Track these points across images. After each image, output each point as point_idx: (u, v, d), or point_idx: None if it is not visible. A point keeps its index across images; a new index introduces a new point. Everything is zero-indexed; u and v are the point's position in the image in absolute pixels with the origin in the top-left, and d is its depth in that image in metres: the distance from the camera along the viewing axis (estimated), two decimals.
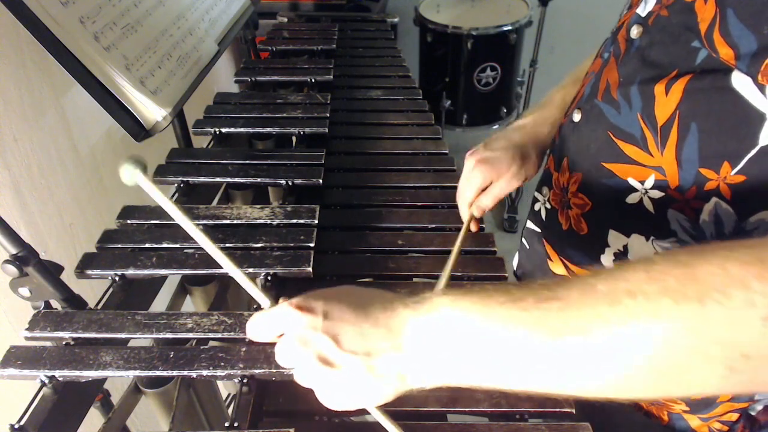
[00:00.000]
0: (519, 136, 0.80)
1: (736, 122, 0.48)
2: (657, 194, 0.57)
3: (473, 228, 0.82)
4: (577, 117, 0.66)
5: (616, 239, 0.63)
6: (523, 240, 0.83)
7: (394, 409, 0.62)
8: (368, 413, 0.64)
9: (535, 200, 0.78)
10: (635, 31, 0.57)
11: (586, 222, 0.66)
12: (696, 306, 0.35)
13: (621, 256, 0.63)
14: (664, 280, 0.36)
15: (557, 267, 0.74)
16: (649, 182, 0.57)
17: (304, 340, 0.44)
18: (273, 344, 0.61)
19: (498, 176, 0.78)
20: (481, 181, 0.78)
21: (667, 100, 0.52)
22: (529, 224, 0.80)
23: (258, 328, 0.48)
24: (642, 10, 0.57)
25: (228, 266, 0.48)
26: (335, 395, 0.46)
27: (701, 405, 0.65)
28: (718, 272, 0.35)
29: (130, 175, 0.43)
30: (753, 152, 0.49)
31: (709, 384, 0.37)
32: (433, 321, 0.43)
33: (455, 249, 0.76)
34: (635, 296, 0.36)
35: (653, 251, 0.60)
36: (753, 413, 0.65)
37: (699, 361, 0.36)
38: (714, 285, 0.34)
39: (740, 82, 0.47)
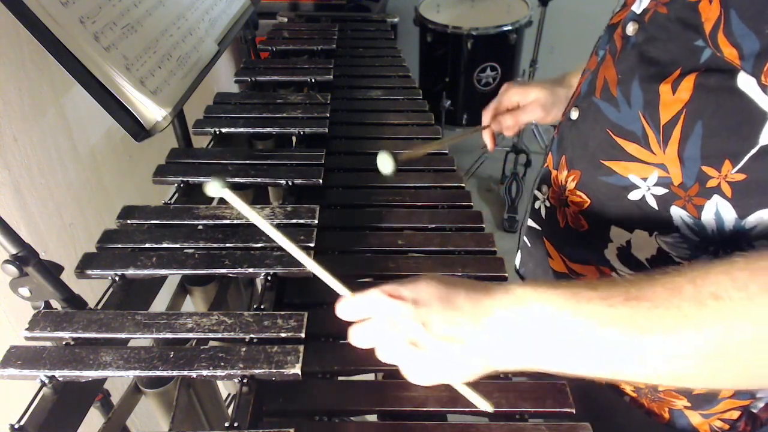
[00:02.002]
0: (552, 82, 0.87)
1: (740, 121, 0.49)
2: (660, 191, 0.57)
3: (489, 146, 0.92)
4: (574, 115, 0.67)
5: (618, 235, 0.63)
6: (524, 238, 0.84)
7: (394, 409, 0.62)
8: (372, 414, 0.64)
9: (535, 198, 0.78)
10: (631, 28, 0.57)
11: (586, 219, 0.66)
12: None
13: (624, 251, 0.63)
14: (748, 287, 0.39)
15: (557, 265, 0.74)
16: (652, 179, 0.57)
17: (395, 325, 0.48)
18: (272, 345, 0.61)
19: (525, 99, 0.86)
20: (508, 99, 0.87)
21: (674, 99, 0.52)
22: (530, 222, 0.81)
23: (349, 309, 0.51)
24: (637, 7, 0.57)
25: (310, 263, 0.55)
26: (420, 373, 0.49)
27: (702, 401, 0.65)
28: None
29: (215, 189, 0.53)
30: (753, 151, 0.49)
31: None
32: (522, 313, 0.45)
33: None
34: (720, 300, 0.39)
35: (657, 246, 0.60)
36: (755, 411, 0.65)
37: None
38: None
39: (745, 82, 0.47)
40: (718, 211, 0.54)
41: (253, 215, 0.54)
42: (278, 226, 0.80)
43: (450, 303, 0.47)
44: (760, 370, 0.40)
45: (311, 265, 0.54)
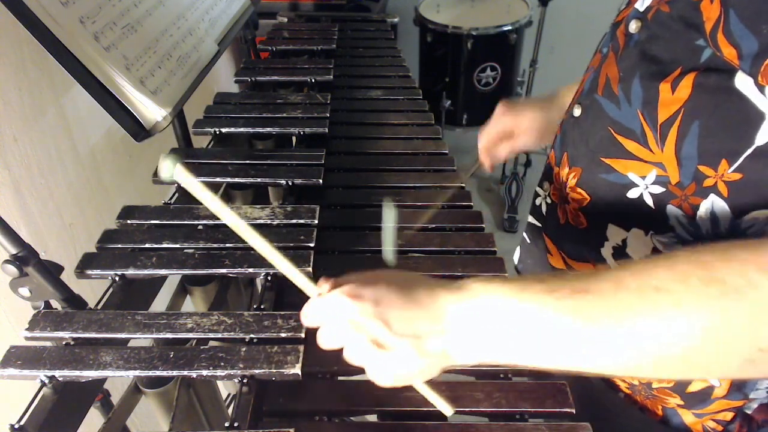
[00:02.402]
0: (546, 103, 0.87)
1: (737, 121, 0.49)
2: (657, 190, 0.57)
3: (488, 170, 0.91)
4: (577, 112, 0.67)
5: (615, 233, 0.63)
6: (525, 234, 0.84)
7: (394, 409, 0.62)
8: (372, 414, 0.64)
9: (537, 195, 0.78)
10: (634, 26, 0.58)
11: (585, 216, 0.67)
12: (716, 304, 0.39)
13: (619, 250, 0.63)
14: (688, 280, 0.40)
15: (556, 261, 0.74)
16: (650, 178, 0.57)
17: (357, 325, 0.48)
18: (272, 345, 0.61)
19: (518, 128, 0.86)
20: (502, 128, 0.87)
21: (673, 98, 0.52)
22: (531, 219, 0.81)
23: (312, 314, 0.51)
24: (641, 5, 0.58)
25: (276, 258, 0.52)
26: (386, 373, 0.49)
27: (695, 400, 0.65)
28: (737, 275, 0.38)
29: (168, 169, 0.46)
30: (749, 151, 0.49)
31: (727, 372, 0.45)
32: (473, 305, 0.47)
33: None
34: (662, 292, 0.40)
35: (652, 246, 0.60)
36: (749, 412, 0.65)
37: (718, 352, 0.40)
38: (733, 286, 0.38)
39: (743, 82, 0.47)
40: (714, 210, 0.54)
41: (204, 196, 0.48)
42: (278, 226, 0.81)
43: (410, 300, 0.48)
44: (701, 359, 0.41)
45: (270, 253, 0.52)
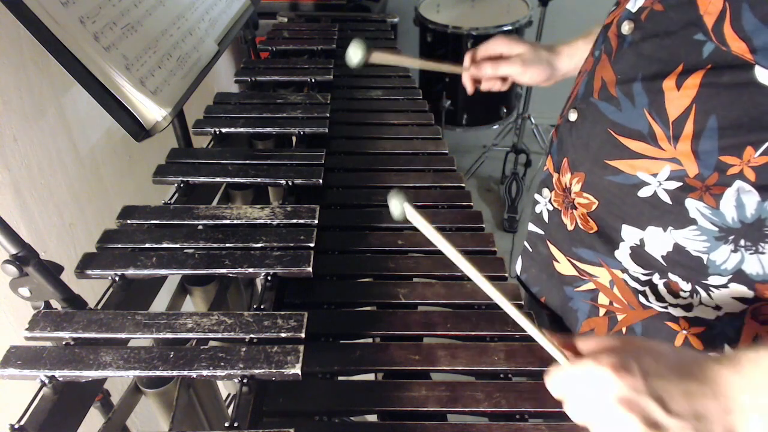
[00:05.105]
0: (541, 45, 0.91)
1: (761, 113, 0.48)
2: (673, 185, 0.57)
3: (469, 89, 0.94)
4: (573, 116, 0.66)
5: (630, 234, 0.63)
6: (526, 243, 0.83)
7: (394, 409, 0.62)
8: (372, 414, 0.64)
9: (536, 202, 0.78)
10: (626, 27, 0.58)
11: (595, 220, 0.66)
12: None
13: (638, 249, 0.63)
14: None
15: (565, 268, 0.74)
16: (664, 174, 0.57)
17: (628, 404, 0.42)
18: (272, 345, 0.61)
19: (509, 52, 0.89)
20: (492, 49, 0.89)
21: (679, 95, 0.52)
22: (531, 227, 0.80)
23: (564, 383, 0.46)
24: (632, 6, 0.58)
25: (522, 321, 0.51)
26: None
27: None
28: None
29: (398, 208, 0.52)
30: None
31: None
32: (760, 375, 0.43)
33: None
34: None
35: (673, 242, 0.60)
36: None
37: None
38: None
39: (765, 76, 0.47)
40: (740, 197, 0.53)
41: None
42: (278, 226, 0.81)
43: (682, 372, 0.43)
44: None
45: (525, 324, 0.50)
